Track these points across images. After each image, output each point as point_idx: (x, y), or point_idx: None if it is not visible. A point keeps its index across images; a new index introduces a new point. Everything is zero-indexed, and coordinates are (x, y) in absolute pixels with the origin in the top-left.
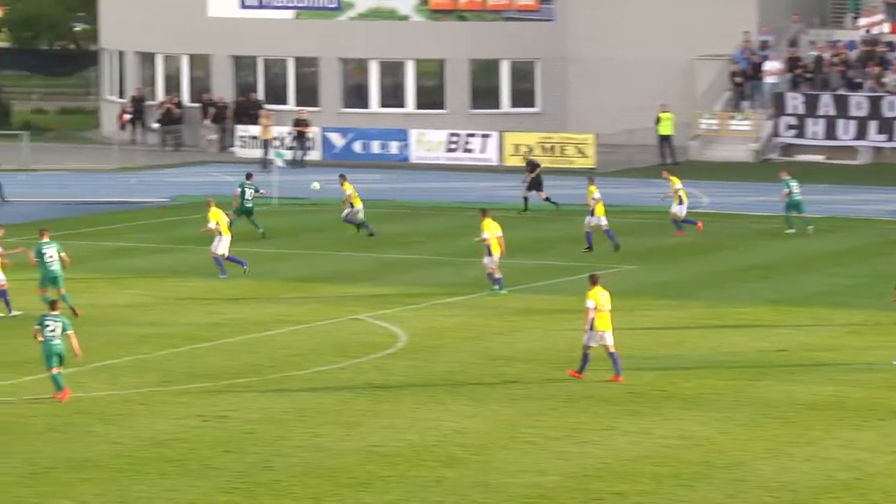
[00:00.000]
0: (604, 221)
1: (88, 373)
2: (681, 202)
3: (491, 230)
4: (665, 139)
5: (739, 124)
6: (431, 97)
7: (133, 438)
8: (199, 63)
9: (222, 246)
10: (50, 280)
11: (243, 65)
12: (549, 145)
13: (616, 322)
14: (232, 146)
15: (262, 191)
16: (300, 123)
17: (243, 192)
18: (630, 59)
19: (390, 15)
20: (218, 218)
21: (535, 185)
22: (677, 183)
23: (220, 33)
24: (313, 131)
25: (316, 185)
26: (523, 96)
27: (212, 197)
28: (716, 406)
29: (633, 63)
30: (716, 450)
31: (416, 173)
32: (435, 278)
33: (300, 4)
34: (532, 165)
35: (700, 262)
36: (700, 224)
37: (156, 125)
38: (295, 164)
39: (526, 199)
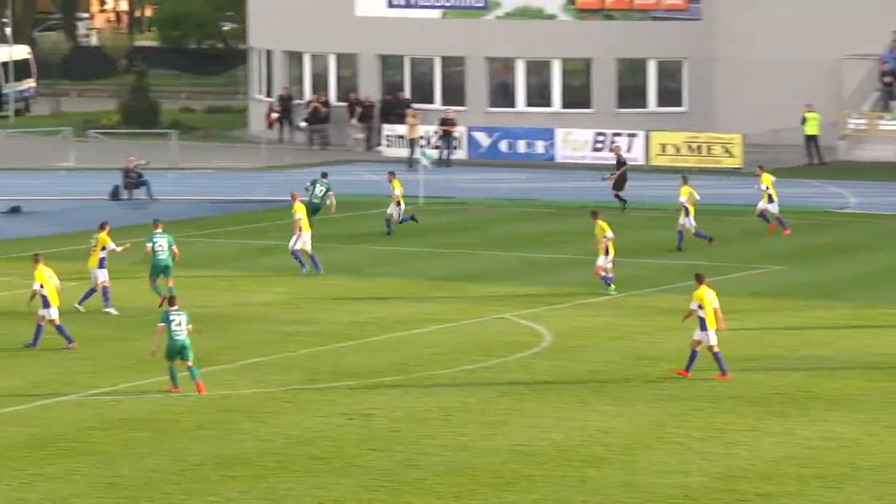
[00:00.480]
0: (694, 223)
1: (236, 370)
2: (770, 200)
3: (606, 232)
4: (811, 139)
5: (888, 124)
6: (578, 96)
7: (280, 436)
8: (347, 62)
9: (300, 242)
10: (160, 270)
11: (390, 64)
12: (695, 145)
13: (763, 321)
14: (378, 145)
15: (330, 193)
16: (446, 123)
17: (314, 187)
18: (777, 58)
19: (537, 14)
20: (302, 212)
21: (620, 182)
22: (768, 180)
23: (368, 33)
24: (459, 130)
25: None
26: (670, 96)
27: (297, 191)
28: (862, 407)
29: (781, 63)
30: (862, 451)
31: (561, 172)
32: (580, 278)
33: (447, 4)
34: (620, 163)
35: (848, 263)
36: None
37: (303, 124)
38: (441, 163)
39: (618, 197)
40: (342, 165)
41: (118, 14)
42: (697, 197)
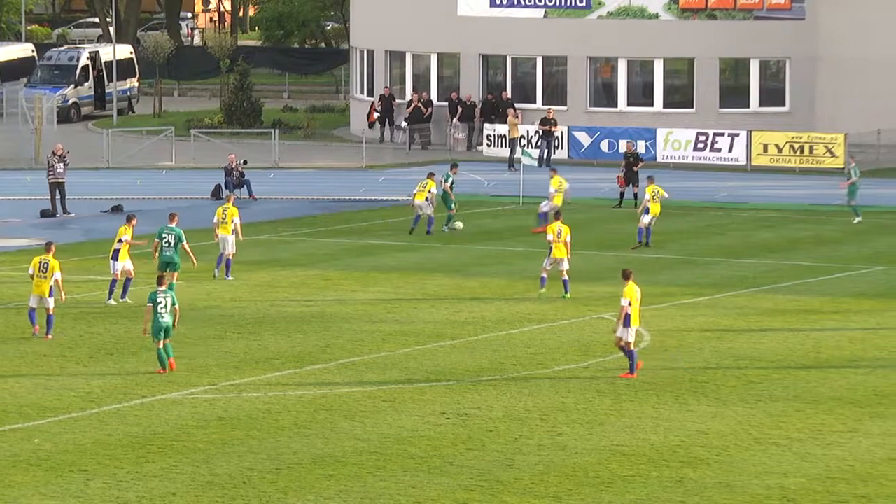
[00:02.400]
0: (647, 220)
1: (334, 369)
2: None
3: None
4: None
5: None
6: (680, 96)
7: (377, 435)
8: (448, 62)
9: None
10: (164, 265)
11: (492, 63)
12: (797, 145)
13: (864, 322)
14: (479, 145)
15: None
16: (547, 122)
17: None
18: (881, 58)
19: (640, 13)
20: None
21: (632, 178)
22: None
23: (470, 32)
24: (560, 130)
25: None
26: (772, 95)
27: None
28: None
29: (885, 62)
30: None
31: (663, 172)
32: (679, 278)
33: (549, 3)
34: (635, 159)
35: None
36: None
37: (404, 123)
38: (541, 162)
39: (622, 193)
40: (443, 165)
41: (221, 14)
42: (666, 195)
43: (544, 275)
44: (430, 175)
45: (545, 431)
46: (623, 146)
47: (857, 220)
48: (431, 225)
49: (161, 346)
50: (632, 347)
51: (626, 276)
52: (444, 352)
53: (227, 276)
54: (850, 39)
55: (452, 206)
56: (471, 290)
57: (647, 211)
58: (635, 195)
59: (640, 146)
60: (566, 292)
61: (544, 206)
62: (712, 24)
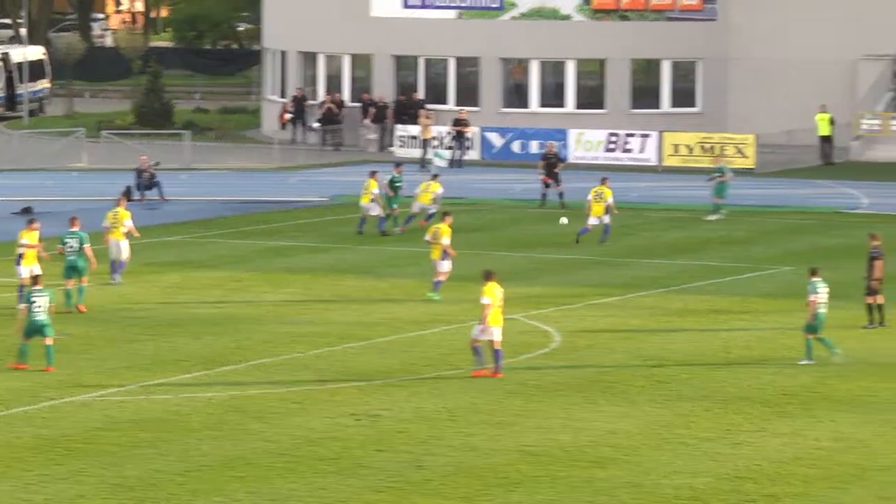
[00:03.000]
0: (593, 221)
1: (244, 371)
2: None
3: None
4: (825, 139)
5: None
6: (592, 97)
7: (287, 436)
8: (361, 63)
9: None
10: (70, 270)
11: (404, 64)
12: (708, 145)
13: (774, 322)
14: (391, 146)
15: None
16: (459, 123)
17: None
18: (792, 59)
19: (552, 14)
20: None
21: (554, 178)
22: None
23: (382, 33)
24: (472, 131)
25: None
26: (684, 96)
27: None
28: (871, 409)
29: (795, 63)
30: (870, 452)
31: (574, 173)
32: (590, 278)
33: (462, 4)
34: (556, 159)
35: (860, 264)
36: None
37: (316, 124)
38: (453, 163)
39: (545, 194)
40: (355, 166)
41: (133, 15)
42: (610, 200)
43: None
44: (373, 174)
45: (455, 432)
46: (533, 146)
47: (713, 216)
48: (383, 224)
49: (27, 342)
50: (497, 347)
51: (487, 276)
52: (355, 353)
53: (113, 277)
54: (761, 40)
55: (394, 206)
56: (382, 292)
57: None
58: (560, 195)
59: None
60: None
61: (415, 207)
62: (624, 24)
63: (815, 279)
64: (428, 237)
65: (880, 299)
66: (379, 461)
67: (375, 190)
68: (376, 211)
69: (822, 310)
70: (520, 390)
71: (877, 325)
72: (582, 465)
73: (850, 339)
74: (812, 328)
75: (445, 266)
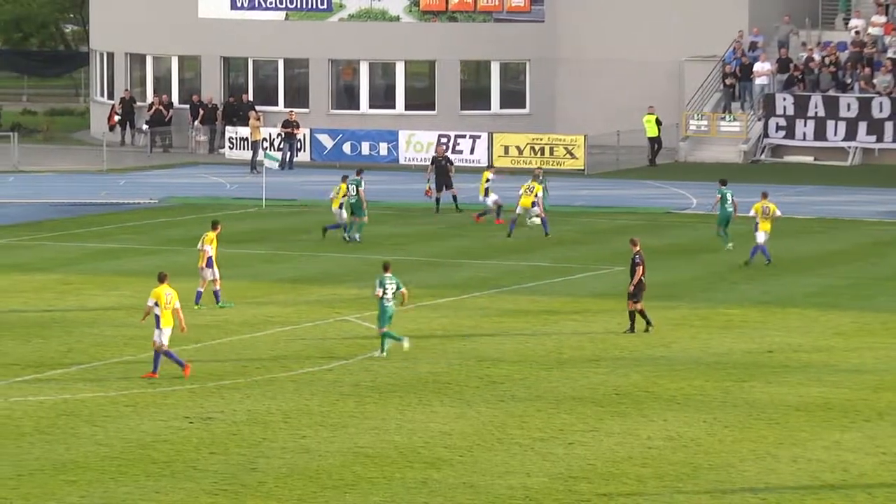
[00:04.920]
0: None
1: (76, 374)
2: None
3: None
4: (653, 140)
5: (729, 125)
6: (421, 98)
7: (119, 440)
8: (189, 64)
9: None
10: None
11: (233, 66)
12: (538, 146)
13: (605, 322)
14: (221, 147)
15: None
16: (289, 125)
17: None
18: (620, 60)
19: (381, 16)
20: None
21: (447, 182)
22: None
23: (211, 34)
24: (302, 133)
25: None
26: (513, 97)
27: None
28: (702, 407)
29: (624, 64)
30: (701, 451)
31: (405, 174)
32: (422, 280)
33: (291, 5)
34: (448, 163)
35: (689, 263)
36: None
37: (145, 126)
38: (283, 165)
39: (438, 199)
40: (184, 168)
41: None
42: (540, 194)
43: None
44: (345, 178)
45: (289, 434)
46: (364, 148)
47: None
48: (343, 230)
49: None
50: (165, 349)
51: (160, 278)
52: (188, 355)
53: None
54: (590, 42)
55: (364, 214)
56: (213, 294)
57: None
58: (454, 197)
59: (383, 148)
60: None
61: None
62: (453, 26)
63: None
64: (199, 245)
65: (640, 305)
66: (213, 464)
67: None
68: (345, 216)
69: (389, 304)
70: (354, 392)
71: (629, 330)
72: (417, 466)
73: (682, 339)
74: None
75: (209, 274)
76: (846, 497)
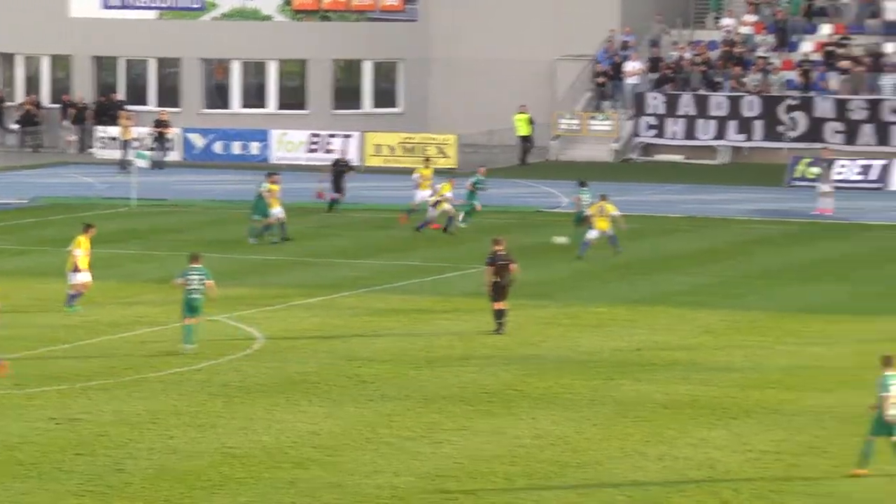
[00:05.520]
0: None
1: None
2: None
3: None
4: (525, 139)
5: (600, 124)
6: (294, 97)
7: None
8: (60, 64)
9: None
10: None
11: (104, 65)
12: (410, 146)
13: (475, 321)
14: (91, 147)
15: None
16: (160, 124)
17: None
18: (492, 59)
19: (253, 15)
20: None
21: (342, 185)
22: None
23: (82, 34)
24: (174, 132)
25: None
26: (385, 97)
27: None
28: (571, 405)
29: (495, 63)
30: (570, 449)
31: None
32: (293, 279)
33: (163, 5)
34: (347, 167)
35: (559, 262)
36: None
37: (15, 126)
38: (155, 165)
39: (334, 200)
40: (55, 168)
41: None
42: (448, 193)
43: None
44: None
45: (157, 435)
46: (235, 147)
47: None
48: (263, 231)
49: None
50: None
51: None
52: (56, 356)
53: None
54: (462, 41)
55: (269, 215)
56: (83, 295)
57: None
58: (336, 201)
59: (254, 148)
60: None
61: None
62: (326, 25)
63: None
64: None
65: (504, 305)
66: (79, 465)
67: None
68: (282, 216)
69: (196, 295)
70: (222, 392)
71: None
72: (285, 466)
73: (551, 337)
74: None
75: (78, 278)
76: (712, 493)
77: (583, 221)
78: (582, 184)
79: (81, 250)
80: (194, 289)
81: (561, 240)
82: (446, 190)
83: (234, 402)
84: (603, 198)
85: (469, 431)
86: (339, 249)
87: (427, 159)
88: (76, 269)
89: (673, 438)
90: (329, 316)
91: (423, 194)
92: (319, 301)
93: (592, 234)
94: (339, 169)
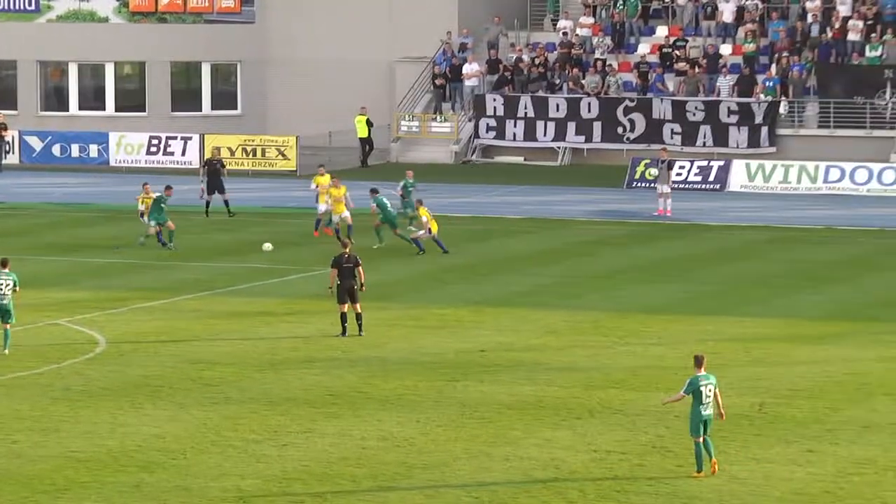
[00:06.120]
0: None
1: None
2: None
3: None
4: (364, 141)
5: (440, 126)
6: (132, 100)
7: None
8: None
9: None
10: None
11: None
12: (250, 148)
13: (319, 323)
14: None
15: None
16: None
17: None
18: (331, 60)
19: (90, 17)
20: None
21: (219, 185)
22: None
23: None
24: (11, 134)
25: (268, 246)
26: (225, 98)
27: None
28: (416, 407)
29: (335, 65)
30: (415, 450)
31: (117, 176)
32: (134, 282)
33: None
34: (221, 166)
35: (402, 264)
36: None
37: None
38: None
39: (208, 203)
40: None
41: None
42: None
43: None
44: (167, 188)
45: None
46: (74, 150)
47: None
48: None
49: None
50: None
51: None
52: None
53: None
54: (300, 42)
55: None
56: None
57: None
58: (226, 202)
59: (94, 150)
60: None
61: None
62: (163, 27)
63: None
64: None
65: (359, 308)
66: None
67: (424, 218)
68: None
69: (5, 301)
70: (65, 396)
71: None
72: (130, 469)
73: (395, 339)
74: None
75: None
76: (558, 494)
77: (389, 224)
78: (374, 191)
79: None
80: (3, 294)
81: (267, 247)
82: (340, 194)
83: (78, 406)
84: (419, 203)
85: (314, 434)
86: (180, 252)
87: (321, 166)
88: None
89: (518, 439)
90: (171, 319)
91: (323, 207)
92: (161, 304)
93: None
94: (214, 168)
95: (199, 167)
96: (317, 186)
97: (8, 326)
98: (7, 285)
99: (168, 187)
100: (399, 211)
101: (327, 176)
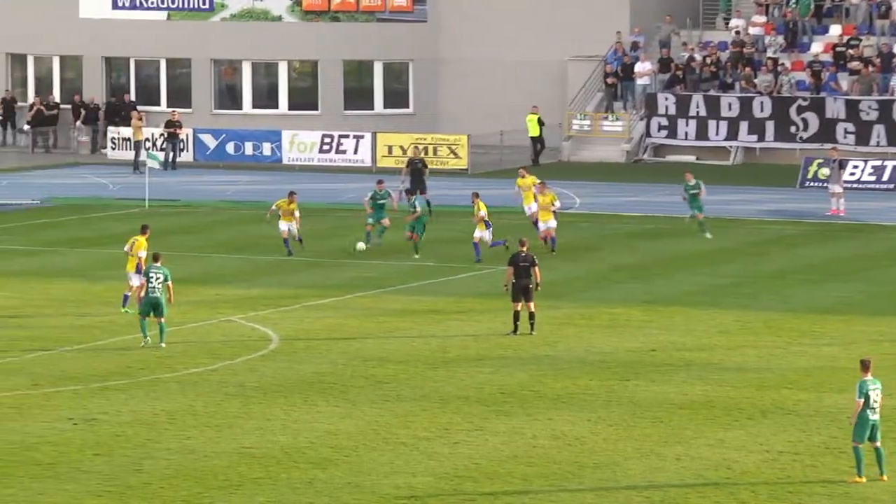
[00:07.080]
0: (490, 235)
1: None
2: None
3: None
4: (536, 140)
5: (611, 125)
6: (305, 98)
7: (2, 442)
8: (71, 64)
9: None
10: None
11: (115, 66)
12: (421, 146)
13: (489, 321)
14: (103, 148)
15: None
16: (172, 125)
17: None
18: (503, 59)
19: (263, 16)
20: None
21: (422, 185)
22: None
23: (92, 34)
24: (185, 132)
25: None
26: (396, 97)
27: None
28: (587, 406)
29: (506, 64)
30: (586, 450)
31: (289, 175)
32: (306, 280)
33: (173, 5)
34: (423, 165)
35: (573, 263)
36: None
37: (26, 127)
38: (166, 165)
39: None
40: (67, 168)
41: None
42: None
43: None
44: (475, 195)
45: (174, 435)
46: (247, 148)
47: (707, 234)
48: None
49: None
50: None
51: None
52: (71, 356)
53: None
54: (472, 41)
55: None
56: (96, 294)
57: (487, 226)
58: (428, 202)
59: (266, 149)
60: None
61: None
62: (336, 26)
63: None
64: (126, 248)
65: (517, 307)
66: (97, 465)
67: (482, 212)
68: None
69: (156, 294)
70: (239, 392)
71: (529, 332)
72: (302, 466)
73: (567, 338)
74: None
75: (136, 279)
76: (730, 494)
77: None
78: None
79: (145, 252)
80: (153, 287)
81: (361, 247)
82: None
83: (251, 403)
84: (475, 195)
85: (485, 432)
86: (350, 250)
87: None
88: (138, 270)
89: (689, 439)
90: (342, 316)
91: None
92: (332, 302)
93: (477, 235)
94: (417, 167)
95: (401, 168)
96: (519, 189)
97: (162, 320)
98: (158, 279)
99: (380, 181)
100: (691, 215)
101: (529, 178)
